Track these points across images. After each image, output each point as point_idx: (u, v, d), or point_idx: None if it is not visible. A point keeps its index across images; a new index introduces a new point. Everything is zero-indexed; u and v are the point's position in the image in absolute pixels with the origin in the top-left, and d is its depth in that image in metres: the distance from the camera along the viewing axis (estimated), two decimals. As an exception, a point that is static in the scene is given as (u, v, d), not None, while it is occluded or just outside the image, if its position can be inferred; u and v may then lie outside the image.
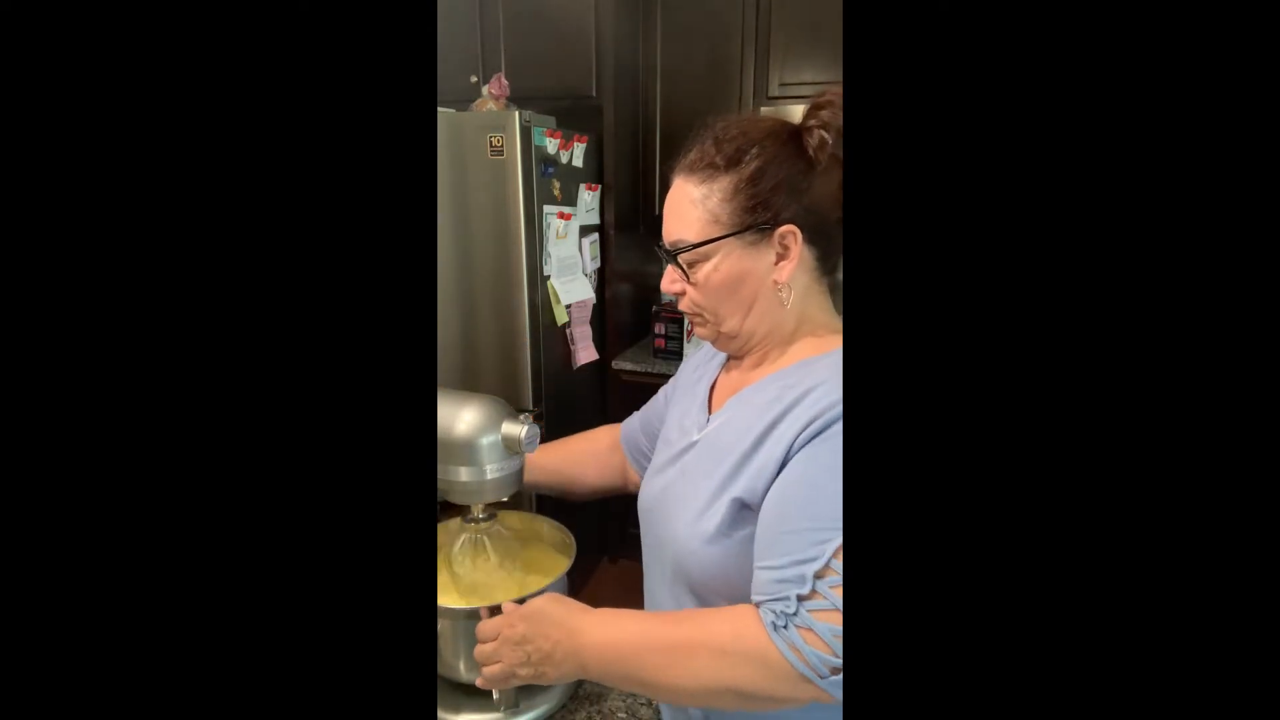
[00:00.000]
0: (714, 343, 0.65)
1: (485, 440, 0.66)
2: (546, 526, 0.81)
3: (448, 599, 0.75)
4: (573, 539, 0.77)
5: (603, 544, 2.32)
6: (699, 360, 0.76)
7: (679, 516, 0.61)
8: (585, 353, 2.01)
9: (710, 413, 0.66)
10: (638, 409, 0.83)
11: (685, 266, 0.60)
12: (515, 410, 0.69)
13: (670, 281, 0.62)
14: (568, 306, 1.89)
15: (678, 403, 0.73)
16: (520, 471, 0.71)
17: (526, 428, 0.66)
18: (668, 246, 0.61)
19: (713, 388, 0.69)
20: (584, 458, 0.84)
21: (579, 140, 1.89)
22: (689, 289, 0.61)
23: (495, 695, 0.66)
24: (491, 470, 0.67)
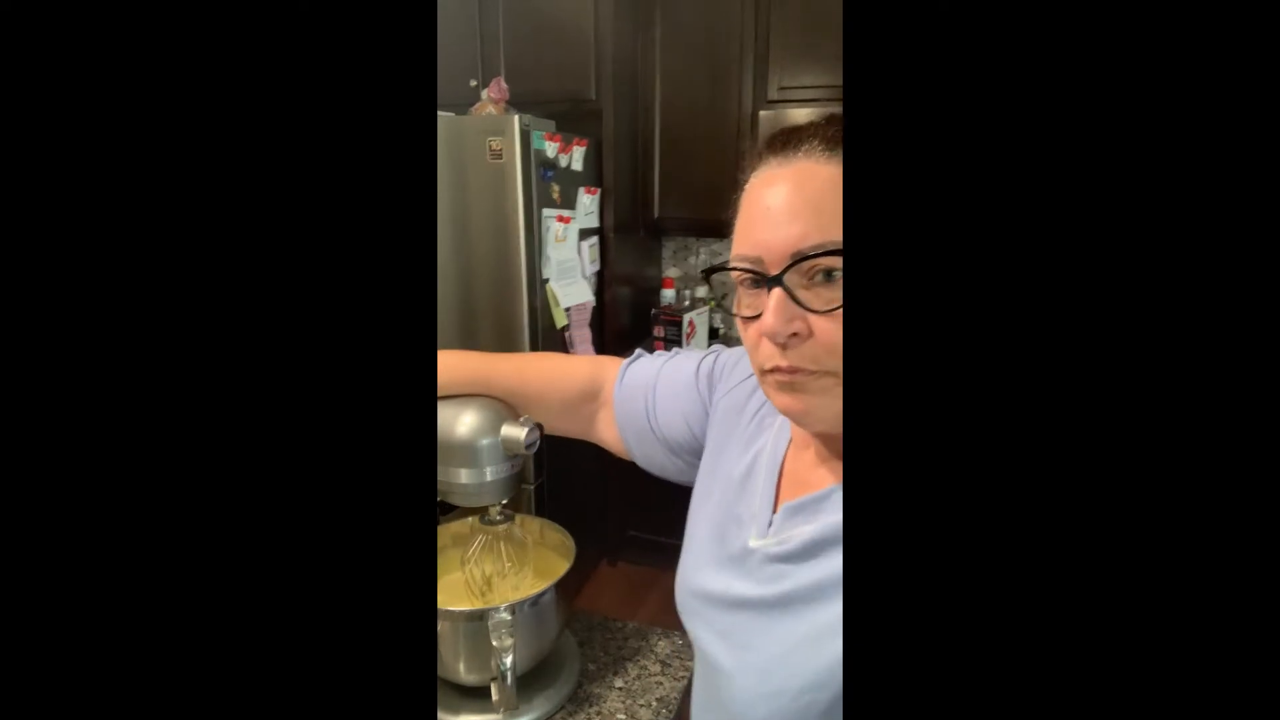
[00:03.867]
0: (810, 419, 0.45)
1: (485, 442, 0.66)
2: (545, 528, 0.81)
3: (461, 600, 0.75)
4: (572, 541, 0.77)
5: (602, 547, 2.33)
6: (739, 378, 0.60)
7: (740, 669, 0.50)
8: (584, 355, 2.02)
9: (775, 508, 0.51)
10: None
11: (815, 285, 0.41)
12: (515, 413, 0.69)
13: (788, 320, 0.41)
14: (567, 310, 1.90)
15: (725, 445, 0.59)
16: (520, 474, 0.71)
17: (527, 430, 0.66)
18: (804, 251, 0.41)
19: (780, 471, 0.53)
20: (549, 403, 0.69)
21: (578, 144, 1.90)
22: (820, 322, 0.41)
23: (495, 696, 0.66)
24: (491, 472, 0.68)
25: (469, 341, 1.83)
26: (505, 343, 1.79)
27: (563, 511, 1.96)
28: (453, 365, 0.69)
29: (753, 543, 0.51)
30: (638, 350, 0.72)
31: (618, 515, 2.27)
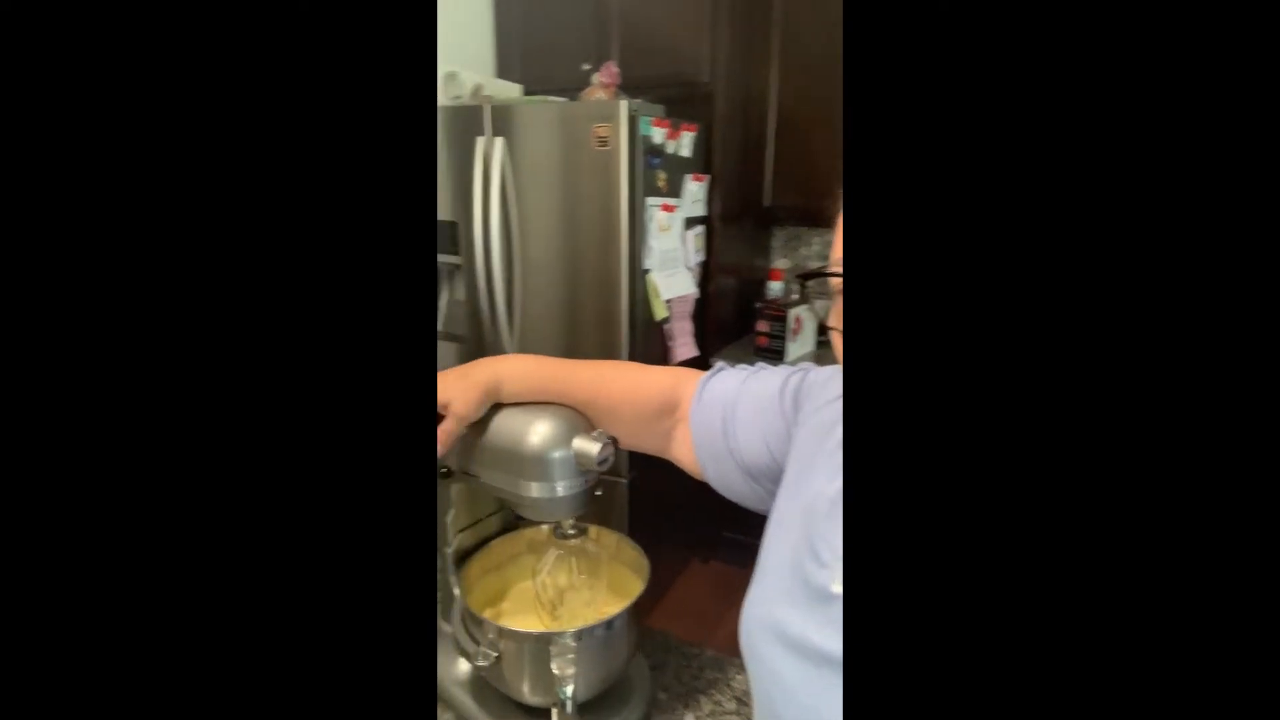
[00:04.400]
0: None
1: (557, 455, 0.62)
2: (621, 544, 0.77)
3: (530, 617, 0.73)
4: (647, 561, 0.73)
5: (694, 542, 2.28)
6: (828, 397, 0.53)
7: None
8: (684, 348, 1.96)
9: None
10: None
11: None
12: (590, 425, 0.65)
13: None
14: (668, 301, 1.85)
15: (809, 469, 0.52)
16: (594, 489, 0.67)
17: (600, 445, 0.62)
18: None
19: None
20: (625, 417, 0.65)
21: (687, 129, 1.83)
22: None
23: (554, 718, 0.63)
24: (563, 487, 0.64)
25: (571, 333, 1.82)
26: (605, 334, 1.77)
27: (655, 506, 1.93)
28: (527, 371, 0.66)
29: (836, 588, 0.45)
30: (719, 364, 0.66)
31: (712, 513, 2.21)
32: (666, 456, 0.66)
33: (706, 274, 2.05)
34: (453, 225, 1.87)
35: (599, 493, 0.67)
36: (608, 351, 1.78)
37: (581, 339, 1.81)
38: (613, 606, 0.69)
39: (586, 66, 2.08)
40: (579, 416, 0.65)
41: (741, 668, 0.77)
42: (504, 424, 0.64)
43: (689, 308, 1.96)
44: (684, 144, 1.84)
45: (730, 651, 0.81)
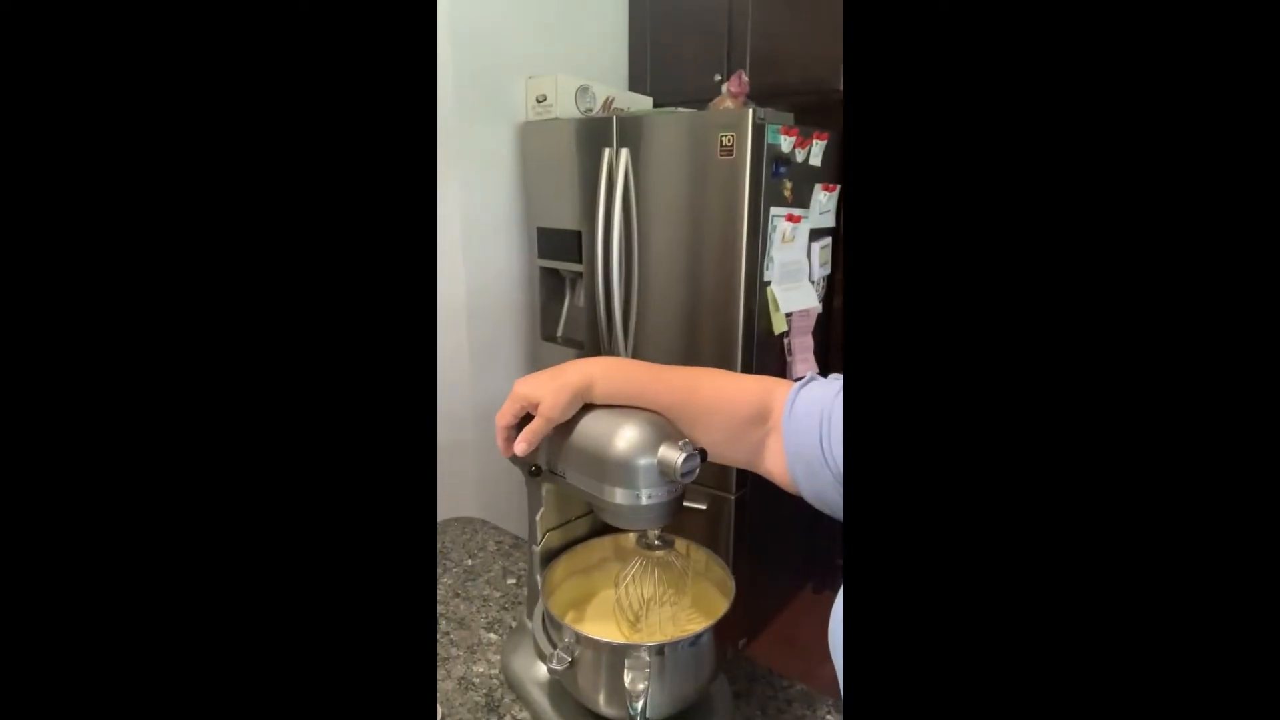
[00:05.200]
0: None
1: (642, 462, 0.61)
2: (710, 562, 0.74)
3: (610, 625, 0.72)
4: (733, 581, 0.69)
5: (808, 571, 2.18)
6: None
7: None
8: (803, 364, 1.88)
9: None
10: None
11: None
12: (678, 433, 0.62)
13: None
14: (788, 315, 1.78)
15: None
16: (682, 500, 0.64)
17: (685, 455, 0.59)
18: None
19: None
20: (715, 425, 0.63)
21: (818, 138, 1.77)
22: None
23: (629, 737, 0.61)
24: (648, 495, 0.62)
25: (688, 343, 1.81)
26: (722, 345, 1.74)
27: (766, 529, 1.86)
28: (619, 374, 0.65)
29: None
30: (809, 373, 0.62)
31: (826, 540, 2.10)
32: (757, 469, 0.63)
33: (832, 288, 1.96)
34: (577, 234, 1.92)
35: (702, 507, 0.65)
36: (723, 364, 1.74)
37: (698, 349, 1.79)
38: (695, 625, 0.66)
39: (718, 77, 2.08)
40: (667, 423, 0.63)
41: (834, 708, 0.72)
42: (591, 427, 0.63)
43: (810, 323, 1.88)
44: (814, 153, 1.77)
45: (825, 691, 0.75)
